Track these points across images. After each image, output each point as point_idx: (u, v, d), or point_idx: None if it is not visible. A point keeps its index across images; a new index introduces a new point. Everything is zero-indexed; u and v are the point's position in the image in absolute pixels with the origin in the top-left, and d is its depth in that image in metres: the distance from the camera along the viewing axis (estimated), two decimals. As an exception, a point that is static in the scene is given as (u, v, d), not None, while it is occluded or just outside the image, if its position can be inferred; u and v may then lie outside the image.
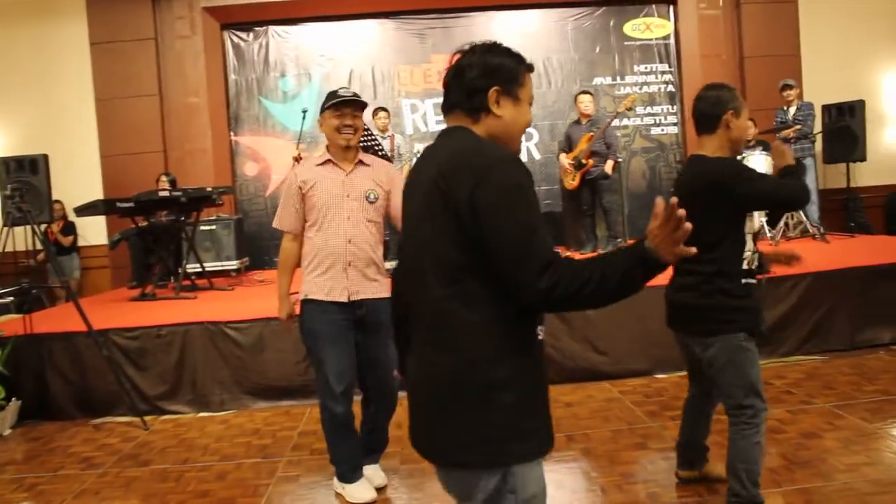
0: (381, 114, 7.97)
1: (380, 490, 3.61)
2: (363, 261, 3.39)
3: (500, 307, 1.64)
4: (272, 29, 9.35)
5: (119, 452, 4.41)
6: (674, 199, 1.54)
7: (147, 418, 4.91)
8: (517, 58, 1.82)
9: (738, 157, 7.56)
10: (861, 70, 9.69)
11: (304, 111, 6.50)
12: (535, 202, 1.63)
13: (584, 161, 7.44)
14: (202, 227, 7.80)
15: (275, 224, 3.52)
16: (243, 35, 9.36)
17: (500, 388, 1.65)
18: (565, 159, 7.71)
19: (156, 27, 8.82)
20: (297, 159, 6.17)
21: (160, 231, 7.02)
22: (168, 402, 5.11)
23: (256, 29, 9.35)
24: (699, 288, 2.86)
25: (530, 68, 1.85)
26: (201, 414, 5.07)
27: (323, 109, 3.41)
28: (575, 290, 1.54)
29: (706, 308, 2.85)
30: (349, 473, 3.55)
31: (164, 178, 7.98)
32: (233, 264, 8.08)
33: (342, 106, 3.35)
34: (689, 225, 1.54)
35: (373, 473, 3.67)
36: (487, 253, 1.60)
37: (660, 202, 1.56)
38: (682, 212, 1.53)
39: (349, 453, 3.55)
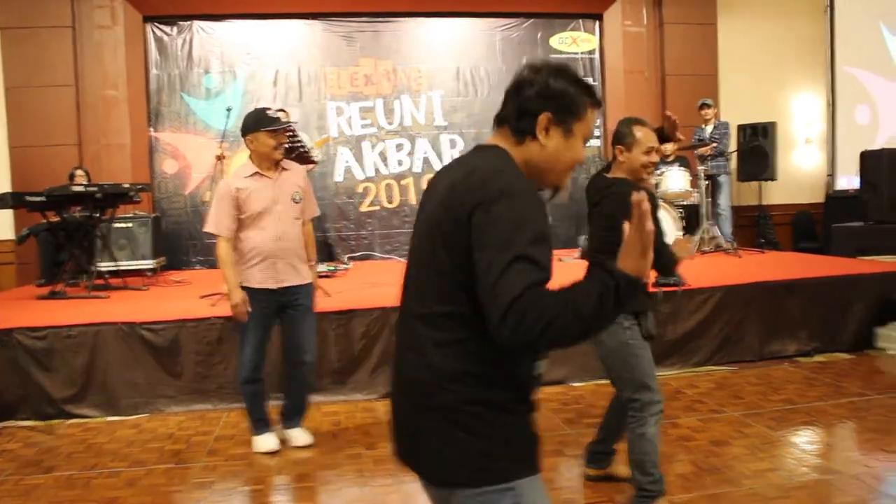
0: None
1: (306, 448, 4.26)
2: (290, 254, 4.03)
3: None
4: (197, 24, 9.12)
5: (20, 458, 4.21)
6: (639, 196, 1.44)
7: (53, 422, 4.72)
8: (585, 89, 1.67)
9: (657, 172, 7.84)
10: (774, 93, 10.12)
11: (229, 109, 6.37)
12: (538, 236, 1.47)
13: None
14: (117, 225, 7.57)
15: (210, 229, 4.00)
16: (166, 28, 9.10)
17: (494, 406, 1.57)
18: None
19: (73, 14, 8.45)
20: (220, 158, 6.06)
21: (73, 227, 6.76)
22: (76, 406, 4.91)
23: (180, 23, 9.10)
24: None
25: (597, 103, 1.69)
26: (111, 418, 4.89)
27: (255, 129, 3.94)
28: (541, 328, 1.38)
29: None
30: (257, 427, 4.22)
31: (80, 172, 7.70)
32: (149, 263, 7.84)
33: (279, 130, 3.97)
34: (650, 225, 1.45)
35: (298, 434, 4.31)
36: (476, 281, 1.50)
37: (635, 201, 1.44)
38: (646, 205, 1.43)
39: (259, 412, 4.21)
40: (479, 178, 1.55)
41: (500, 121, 1.70)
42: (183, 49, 9.12)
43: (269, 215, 3.95)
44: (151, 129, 9.06)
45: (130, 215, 7.87)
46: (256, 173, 3.99)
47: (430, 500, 1.74)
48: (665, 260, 3.02)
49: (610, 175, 3.22)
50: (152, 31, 9.08)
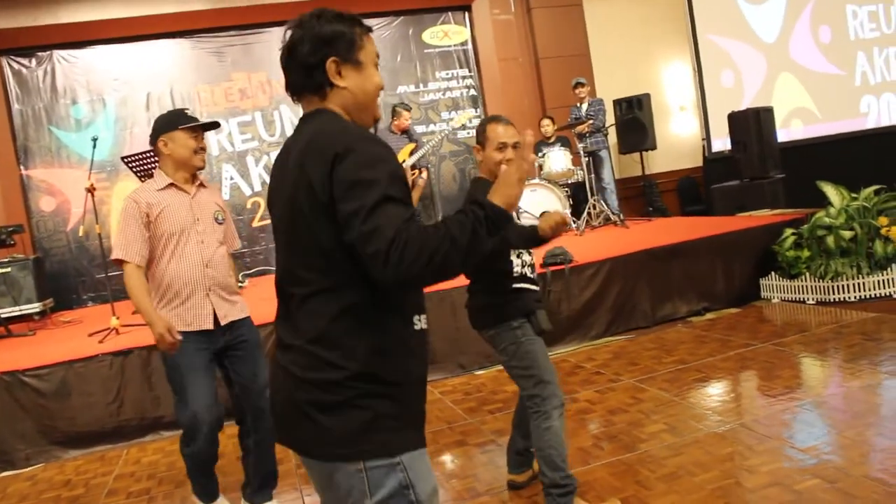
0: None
1: None
2: (222, 284, 3.27)
3: (367, 296, 1.55)
4: (57, 53, 8.77)
5: None
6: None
7: (-62, 487, 4.47)
8: (351, 21, 1.70)
9: (539, 154, 7.98)
10: (644, 66, 10.51)
11: (95, 139, 6.15)
12: (395, 176, 1.50)
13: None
14: (-6, 271, 7.22)
15: (119, 256, 3.12)
16: (24, 61, 8.71)
17: (374, 377, 1.55)
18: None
19: (-82, 52, 8.04)
20: (91, 190, 5.83)
21: (-58, 279, 6.42)
22: (-38, 466, 4.67)
23: (39, 54, 8.73)
24: (479, 291, 3.15)
25: (368, 30, 1.74)
26: (3, 473, 4.67)
27: (169, 129, 3.20)
28: (425, 261, 1.42)
29: (483, 306, 3.11)
30: (206, 497, 3.42)
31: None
32: (35, 307, 7.49)
33: (199, 128, 3.25)
34: (532, 156, 1.57)
35: None
36: (344, 233, 1.50)
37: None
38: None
39: (208, 486, 3.42)
40: (323, 139, 1.56)
41: (296, 91, 1.72)
42: (45, 81, 8.76)
43: (191, 238, 3.20)
44: (22, 167, 8.67)
45: (7, 259, 7.51)
46: (171, 185, 3.22)
47: (312, 481, 1.71)
48: (524, 235, 2.97)
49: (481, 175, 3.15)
50: (8, 64, 8.68)
